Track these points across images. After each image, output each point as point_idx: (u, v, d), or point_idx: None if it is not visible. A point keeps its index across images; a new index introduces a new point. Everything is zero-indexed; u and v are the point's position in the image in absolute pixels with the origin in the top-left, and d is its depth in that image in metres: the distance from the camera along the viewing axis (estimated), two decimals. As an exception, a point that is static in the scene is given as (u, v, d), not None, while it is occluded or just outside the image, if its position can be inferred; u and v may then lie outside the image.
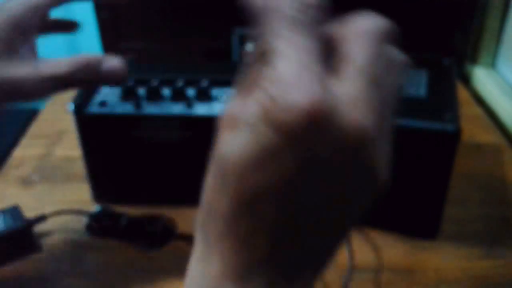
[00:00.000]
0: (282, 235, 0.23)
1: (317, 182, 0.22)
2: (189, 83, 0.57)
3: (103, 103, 0.56)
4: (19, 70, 0.41)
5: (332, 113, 0.21)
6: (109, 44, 0.88)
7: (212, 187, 0.24)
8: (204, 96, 0.56)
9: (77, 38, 1.16)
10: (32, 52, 0.45)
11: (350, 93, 0.22)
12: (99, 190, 0.62)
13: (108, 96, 0.57)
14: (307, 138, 0.21)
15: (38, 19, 0.45)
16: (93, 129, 0.56)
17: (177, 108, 0.55)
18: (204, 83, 0.56)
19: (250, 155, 0.21)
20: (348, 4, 0.89)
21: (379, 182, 0.26)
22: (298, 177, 0.21)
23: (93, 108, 0.55)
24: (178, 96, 0.56)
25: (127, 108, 0.56)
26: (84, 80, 0.43)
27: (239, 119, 0.22)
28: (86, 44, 1.14)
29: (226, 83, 0.58)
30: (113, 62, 0.43)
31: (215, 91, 0.57)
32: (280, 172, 0.21)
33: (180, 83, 0.56)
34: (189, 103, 0.55)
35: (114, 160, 0.56)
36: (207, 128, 0.55)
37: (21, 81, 0.41)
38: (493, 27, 0.90)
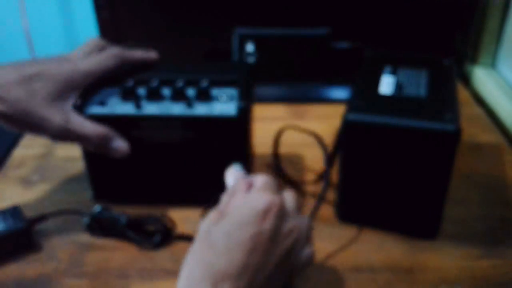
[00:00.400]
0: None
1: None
2: (189, 83, 0.57)
3: (102, 103, 0.55)
4: (54, 117, 0.51)
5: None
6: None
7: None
8: (204, 96, 0.56)
9: (78, 38, 1.16)
10: (73, 97, 0.54)
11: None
12: (99, 190, 0.62)
13: (108, 96, 0.57)
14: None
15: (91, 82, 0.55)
16: None
17: (177, 108, 0.55)
18: (204, 83, 0.56)
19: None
20: (352, 6, 0.89)
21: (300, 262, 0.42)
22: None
23: (93, 108, 0.55)
24: (178, 96, 0.56)
25: (127, 108, 0.55)
26: (97, 146, 0.54)
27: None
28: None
29: (226, 83, 0.58)
30: (120, 147, 0.54)
31: (215, 91, 0.57)
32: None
33: (180, 83, 0.56)
34: (189, 103, 0.55)
35: (114, 160, 0.56)
36: (207, 128, 0.55)
37: (49, 126, 0.51)
38: (493, 28, 0.91)
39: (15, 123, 0.52)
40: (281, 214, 0.39)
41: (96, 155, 0.55)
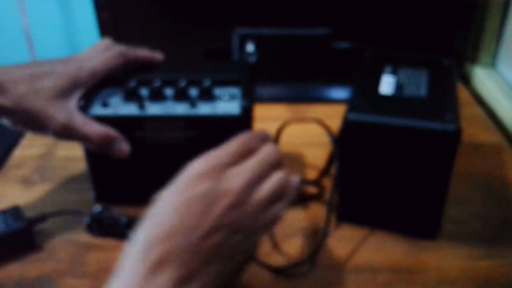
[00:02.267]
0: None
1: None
2: (191, 83, 0.57)
3: (105, 104, 0.56)
4: (58, 114, 0.52)
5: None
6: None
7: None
8: (207, 95, 0.56)
9: (78, 38, 1.17)
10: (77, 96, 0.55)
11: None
12: (101, 191, 0.62)
13: (111, 97, 0.57)
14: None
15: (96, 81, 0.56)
16: None
17: (181, 108, 0.55)
18: (207, 82, 0.56)
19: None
20: (352, 6, 0.89)
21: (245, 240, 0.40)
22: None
23: (96, 109, 0.55)
24: (181, 96, 0.56)
25: (130, 109, 0.56)
26: (97, 145, 0.54)
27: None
28: (86, 43, 1.15)
29: (228, 82, 0.58)
30: (121, 148, 0.55)
31: (217, 91, 0.57)
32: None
33: (182, 83, 0.56)
34: (192, 103, 0.55)
35: (116, 161, 0.56)
36: (210, 127, 0.55)
37: (53, 124, 0.52)
38: (493, 28, 0.91)
39: (20, 120, 0.52)
40: (218, 174, 0.38)
41: (98, 156, 0.56)
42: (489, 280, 0.52)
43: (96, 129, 0.53)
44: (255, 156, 0.42)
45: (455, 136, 0.50)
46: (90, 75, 0.55)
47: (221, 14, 0.89)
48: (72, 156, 0.72)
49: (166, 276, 0.35)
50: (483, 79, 0.91)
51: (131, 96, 0.56)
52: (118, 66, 0.57)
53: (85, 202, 0.62)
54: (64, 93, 0.53)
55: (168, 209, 0.37)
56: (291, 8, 0.88)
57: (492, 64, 0.94)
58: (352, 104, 0.55)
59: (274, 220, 0.41)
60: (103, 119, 0.54)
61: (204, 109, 0.55)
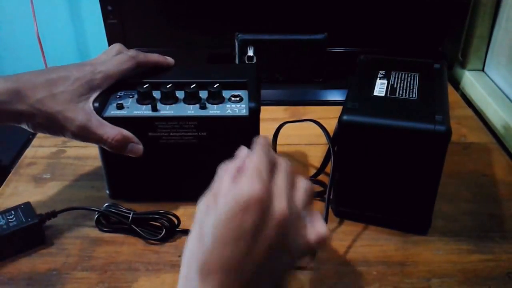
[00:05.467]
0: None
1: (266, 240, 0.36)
2: (201, 86, 0.58)
3: (120, 106, 0.57)
4: (76, 117, 0.54)
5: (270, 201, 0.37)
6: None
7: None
8: (216, 97, 0.58)
9: (86, 43, 1.17)
10: (93, 98, 0.56)
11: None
12: (115, 190, 0.63)
13: (125, 100, 0.59)
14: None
15: (111, 84, 0.58)
16: None
17: (191, 110, 0.57)
18: (215, 85, 0.58)
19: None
20: (347, 13, 0.90)
21: (294, 253, 0.39)
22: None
23: (111, 111, 0.57)
24: (192, 98, 0.58)
25: (144, 110, 0.57)
26: (110, 148, 0.55)
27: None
28: (95, 49, 1.16)
29: (235, 85, 0.60)
30: (135, 148, 0.56)
31: (225, 93, 0.59)
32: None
33: (192, 86, 0.58)
34: (202, 105, 0.57)
35: (131, 161, 0.57)
36: (220, 128, 0.56)
37: (71, 126, 0.54)
38: (482, 33, 0.92)
39: (39, 123, 0.54)
40: (265, 207, 0.36)
41: (112, 155, 0.57)
42: (478, 274, 0.53)
43: (111, 130, 0.55)
44: (281, 170, 0.40)
45: (445, 136, 0.52)
46: (104, 78, 0.56)
47: (224, 20, 0.90)
48: (81, 155, 0.73)
49: None
50: (473, 82, 0.92)
51: (144, 98, 0.58)
52: (130, 69, 0.59)
53: (94, 199, 0.63)
54: (80, 96, 0.55)
55: (222, 233, 0.36)
56: (289, 16, 0.89)
57: (482, 68, 0.95)
58: (346, 106, 0.56)
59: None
60: (118, 120, 0.56)
61: (214, 110, 0.57)
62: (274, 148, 0.70)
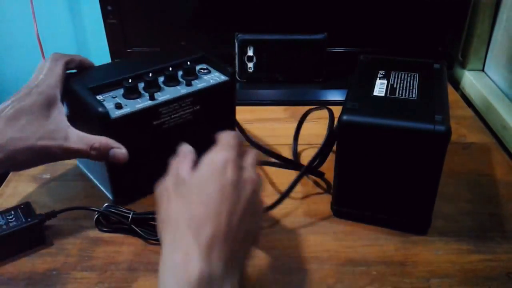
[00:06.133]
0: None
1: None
2: (174, 68, 0.63)
3: (118, 105, 0.57)
4: (53, 143, 0.53)
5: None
6: (116, 48, 0.90)
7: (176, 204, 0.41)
8: (192, 74, 0.63)
9: (86, 43, 1.17)
10: (59, 111, 0.56)
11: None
12: (119, 194, 0.63)
13: (117, 99, 0.59)
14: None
15: (61, 88, 0.57)
16: (121, 131, 0.57)
17: (183, 89, 0.61)
18: (188, 65, 0.63)
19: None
20: (347, 14, 0.90)
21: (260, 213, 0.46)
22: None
23: (114, 112, 0.57)
24: (171, 80, 0.62)
25: (143, 102, 0.58)
26: (95, 158, 0.55)
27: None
28: (95, 49, 1.16)
29: (200, 61, 0.67)
30: (117, 153, 0.56)
31: (198, 68, 0.65)
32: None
33: (168, 71, 0.62)
34: (187, 83, 0.62)
35: (138, 156, 0.58)
36: (209, 96, 0.62)
37: (53, 152, 0.54)
38: (482, 34, 0.92)
39: (18, 164, 0.54)
40: (237, 165, 0.43)
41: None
42: (478, 274, 0.53)
43: (87, 142, 0.55)
44: (247, 151, 0.47)
45: (445, 136, 0.52)
46: (54, 88, 0.56)
47: (223, 21, 0.90)
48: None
49: (218, 256, 0.37)
50: (473, 82, 0.93)
51: (132, 92, 0.59)
52: (63, 69, 0.58)
53: (94, 199, 0.63)
54: (45, 118, 0.54)
55: (207, 193, 0.40)
56: (289, 16, 0.89)
57: (482, 68, 0.95)
58: (346, 106, 0.56)
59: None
60: (128, 117, 0.57)
61: (199, 84, 0.63)
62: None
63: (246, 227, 0.41)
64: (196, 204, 0.40)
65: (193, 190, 0.41)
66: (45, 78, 0.56)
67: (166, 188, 0.43)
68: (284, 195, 0.60)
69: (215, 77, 0.64)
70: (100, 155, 0.55)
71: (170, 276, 0.37)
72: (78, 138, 0.55)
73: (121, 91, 0.60)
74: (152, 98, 0.59)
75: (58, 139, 0.54)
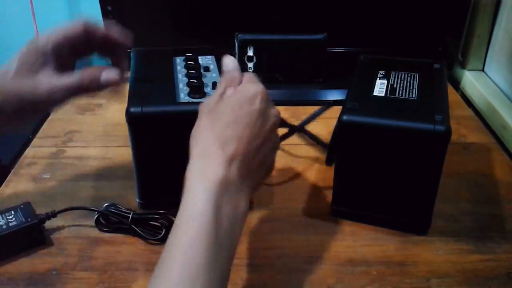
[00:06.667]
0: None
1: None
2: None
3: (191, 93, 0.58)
4: (39, 85, 0.52)
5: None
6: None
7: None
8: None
9: None
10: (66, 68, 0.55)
11: None
12: (147, 198, 0.62)
13: (178, 95, 0.58)
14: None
15: (59, 49, 0.55)
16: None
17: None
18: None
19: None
20: (348, 13, 0.89)
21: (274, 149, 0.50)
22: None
23: (185, 98, 0.57)
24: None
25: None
26: (89, 87, 0.54)
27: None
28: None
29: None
30: (109, 74, 0.55)
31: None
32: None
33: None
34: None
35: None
36: None
37: (40, 92, 0.52)
38: (482, 34, 0.92)
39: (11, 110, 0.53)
40: (266, 98, 0.48)
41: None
42: (477, 274, 0.53)
43: (78, 75, 0.54)
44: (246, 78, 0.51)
45: (445, 136, 0.52)
46: (46, 41, 0.54)
47: (223, 21, 0.90)
48: (81, 155, 0.73)
49: (236, 167, 0.44)
50: (473, 82, 0.93)
51: (196, 90, 0.58)
52: (77, 34, 0.55)
53: (94, 199, 0.64)
54: (33, 64, 0.53)
55: (236, 115, 0.46)
56: (289, 16, 0.89)
57: (482, 68, 0.96)
58: (346, 106, 0.56)
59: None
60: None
61: None
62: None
63: (264, 152, 0.47)
64: (226, 123, 0.46)
65: (224, 111, 0.46)
66: (51, 30, 0.55)
67: (205, 105, 0.49)
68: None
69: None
70: (93, 83, 0.54)
71: (197, 176, 0.44)
72: (67, 75, 0.54)
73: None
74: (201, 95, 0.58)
75: (45, 82, 0.53)
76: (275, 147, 0.50)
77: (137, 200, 0.62)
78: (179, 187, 0.59)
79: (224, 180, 0.43)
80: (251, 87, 0.49)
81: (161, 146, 0.57)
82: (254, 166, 0.46)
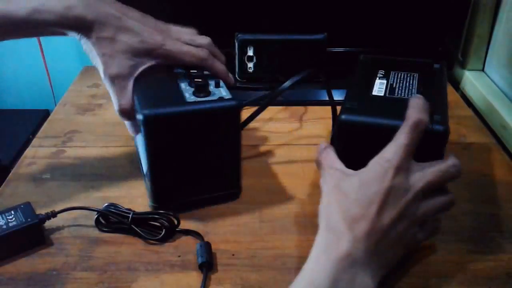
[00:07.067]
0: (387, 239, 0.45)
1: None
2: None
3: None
4: (115, 69, 0.56)
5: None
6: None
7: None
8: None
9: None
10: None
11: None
12: (161, 200, 0.61)
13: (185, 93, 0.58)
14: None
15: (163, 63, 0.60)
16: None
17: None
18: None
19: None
20: (348, 14, 0.89)
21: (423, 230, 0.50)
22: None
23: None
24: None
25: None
26: (119, 115, 0.59)
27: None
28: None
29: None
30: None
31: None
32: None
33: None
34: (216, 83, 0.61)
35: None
36: None
37: (107, 72, 0.57)
38: (482, 34, 0.92)
39: (89, 52, 0.57)
40: (401, 170, 0.46)
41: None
42: (478, 274, 0.53)
43: (122, 101, 0.58)
44: (441, 164, 0.49)
45: (443, 136, 0.52)
46: (163, 57, 0.59)
47: (223, 21, 0.90)
48: (81, 155, 0.73)
49: (365, 247, 0.44)
50: (473, 82, 0.93)
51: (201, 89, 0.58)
52: (189, 65, 0.60)
53: (94, 199, 0.64)
54: (134, 56, 0.57)
55: (366, 194, 0.45)
56: (289, 16, 0.89)
57: (482, 68, 0.96)
58: (345, 106, 0.56)
59: (432, 232, 0.52)
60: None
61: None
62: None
63: (398, 230, 0.46)
64: (355, 202, 0.45)
65: (354, 189, 0.46)
66: (177, 49, 0.59)
67: (327, 181, 0.49)
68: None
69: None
70: (126, 115, 0.59)
71: (322, 252, 0.44)
72: (125, 91, 0.58)
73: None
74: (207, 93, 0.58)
75: (116, 72, 0.57)
76: (414, 222, 0.48)
77: (150, 204, 0.61)
78: (192, 188, 0.61)
79: (347, 257, 0.43)
80: (385, 157, 0.47)
81: (173, 148, 0.57)
82: (386, 244, 0.45)
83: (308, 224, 0.61)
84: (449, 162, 0.49)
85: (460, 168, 0.50)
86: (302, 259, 0.55)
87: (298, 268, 0.53)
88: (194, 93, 0.57)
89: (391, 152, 0.47)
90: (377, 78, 0.62)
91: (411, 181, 0.46)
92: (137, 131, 0.61)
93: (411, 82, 0.61)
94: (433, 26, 0.91)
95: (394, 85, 0.61)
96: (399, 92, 0.59)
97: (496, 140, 0.79)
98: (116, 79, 0.57)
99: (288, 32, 0.87)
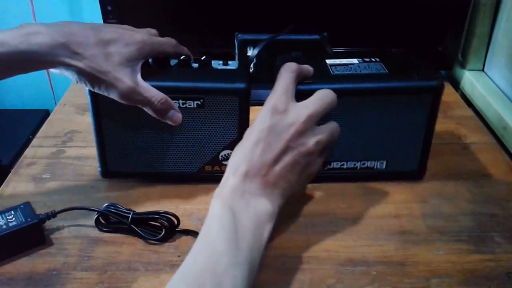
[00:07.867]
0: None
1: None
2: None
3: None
4: (126, 78, 0.55)
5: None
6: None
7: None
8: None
9: None
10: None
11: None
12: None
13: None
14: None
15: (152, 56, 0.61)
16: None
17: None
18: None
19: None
20: (346, 14, 0.89)
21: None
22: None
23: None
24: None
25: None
26: (156, 111, 0.58)
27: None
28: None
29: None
30: (175, 116, 0.59)
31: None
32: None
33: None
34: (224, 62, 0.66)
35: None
36: None
37: (120, 86, 0.55)
38: (482, 34, 0.92)
39: (90, 79, 0.55)
40: (277, 111, 0.50)
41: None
42: (478, 274, 0.54)
43: (157, 93, 0.57)
44: (316, 94, 0.53)
45: (438, 89, 0.59)
46: (151, 50, 0.59)
47: (223, 21, 0.90)
48: (81, 155, 0.73)
49: (253, 183, 0.48)
50: (473, 82, 0.93)
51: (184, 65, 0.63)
52: (167, 53, 0.62)
53: (94, 199, 0.64)
54: (131, 61, 0.56)
55: (249, 138, 0.50)
56: (289, 16, 0.89)
57: (482, 68, 0.96)
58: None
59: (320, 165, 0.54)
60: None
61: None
62: None
63: (286, 161, 0.49)
64: (240, 151, 0.50)
65: (246, 134, 0.52)
66: (157, 40, 0.61)
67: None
68: None
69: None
70: (163, 109, 0.58)
71: (215, 196, 0.48)
72: (148, 87, 0.57)
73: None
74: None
75: (131, 81, 0.56)
76: (306, 152, 0.51)
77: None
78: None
79: (235, 189, 0.48)
80: (271, 99, 0.52)
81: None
82: (276, 176, 0.49)
83: (308, 224, 0.61)
84: (323, 92, 0.53)
85: (335, 94, 0.53)
86: (302, 259, 0.55)
87: (298, 268, 0.54)
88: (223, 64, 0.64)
89: (270, 97, 0.52)
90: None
91: (293, 117, 0.50)
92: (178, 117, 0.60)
93: (376, 67, 0.64)
94: (433, 26, 0.91)
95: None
96: (370, 71, 0.63)
97: (496, 140, 0.79)
98: (131, 92, 0.56)
99: (288, 32, 0.87)
